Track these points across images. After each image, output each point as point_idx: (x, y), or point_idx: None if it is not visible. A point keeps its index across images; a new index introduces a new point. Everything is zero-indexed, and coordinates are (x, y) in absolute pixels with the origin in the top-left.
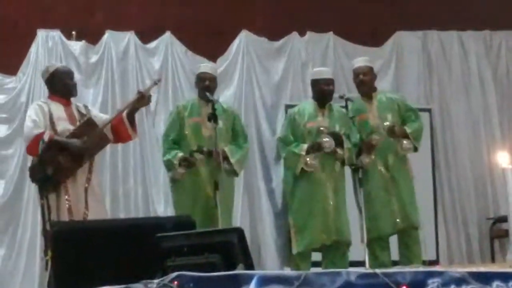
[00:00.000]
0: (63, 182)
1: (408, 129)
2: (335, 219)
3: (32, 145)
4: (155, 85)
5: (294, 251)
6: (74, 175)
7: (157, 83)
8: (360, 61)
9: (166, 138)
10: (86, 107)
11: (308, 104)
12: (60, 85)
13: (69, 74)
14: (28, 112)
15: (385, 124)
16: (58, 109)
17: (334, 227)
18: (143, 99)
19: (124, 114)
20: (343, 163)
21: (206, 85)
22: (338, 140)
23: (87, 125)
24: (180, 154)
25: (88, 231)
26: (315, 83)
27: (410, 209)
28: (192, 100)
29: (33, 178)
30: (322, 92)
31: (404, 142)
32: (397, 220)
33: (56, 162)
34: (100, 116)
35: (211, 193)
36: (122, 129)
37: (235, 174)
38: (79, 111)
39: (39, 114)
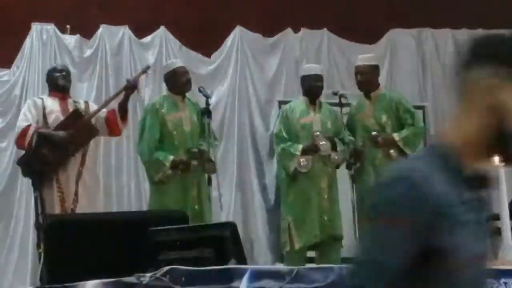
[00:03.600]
0: (54, 174)
1: (397, 137)
2: (329, 214)
3: (19, 138)
4: (143, 74)
5: (296, 246)
6: (64, 166)
7: (145, 71)
8: (360, 60)
9: (149, 137)
10: (86, 102)
11: (299, 101)
12: (49, 80)
13: (55, 69)
14: (23, 108)
15: (373, 133)
16: (53, 104)
17: (328, 222)
18: (131, 87)
19: (116, 107)
20: (337, 166)
21: (188, 79)
22: (332, 144)
23: (74, 116)
24: (171, 157)
25: (81, 225)
26: (304, 79)
27: None
28: (165, 97)
29: (22, 171)
30: (311, 88)
31: (391, 151)
32: None
33: (41, 155)
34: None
35: (195, 193)
36: (115, 122)
37: (215, 171)
38: (76, 106)
39: (31, 108)
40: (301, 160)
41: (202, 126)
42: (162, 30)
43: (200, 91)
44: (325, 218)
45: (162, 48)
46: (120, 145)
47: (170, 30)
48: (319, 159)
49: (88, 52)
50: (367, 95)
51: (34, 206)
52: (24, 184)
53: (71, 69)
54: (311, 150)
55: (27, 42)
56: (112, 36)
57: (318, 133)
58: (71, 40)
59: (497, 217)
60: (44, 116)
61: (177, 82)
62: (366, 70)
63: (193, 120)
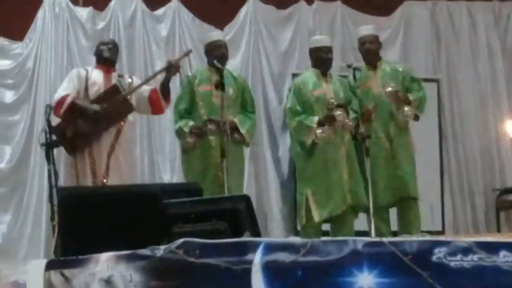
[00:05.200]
0: (87, 146)
1: (411, 97)
2: (351, 185)
3: (56, 106)
4: (185, 56)
5: (316, 219)
6: (98, 139)
7: (187, 54)
8: (365, 29)
9: (176, 107)
10: (131, 77)
11: (310, 73)
12: (96, 52)
13: (102, 41)
14: (66, 76)
15: (388, 89)
16: (97, 76)
17: (350, 193)
18: (172, 68)
19: (158, 85)
20: (350, 133)
21: (223, 53)
22: (345, 111)
23: (111, 92)
24: (191, 123)
25: (95, 197)
26: (315, 51)
27: (407, 179)
28: (201, 68)
29: (57, 138)
30: (322, 61)
31: (406, 108)
32: (393, 190)
33: (75, 125)
34: (143, 89)
35: (219, 162)
36: (157, 100)
37: (246, 144)
38: (119, 81)
39: (74, 78)
40: (318, 131)
41: (241, 100)
42: (174, 2)
43: (213, 63)
44: (346, 189)
45: (175, 20)
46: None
47: (183, 2)
48: (336, 130)
49: (100, 25)
50: (373, 66)
51: (48, 179)
52: (38, 157)
53: (84, 41)
54: (327, 121)
55: (40, 14)
56: (125, 8)
57: (332, 99)
58: (83, 12)
59: (511, 191)
60: (86, 88)
61: (212, 55)
62: (373, 39)
63: (220, 93)
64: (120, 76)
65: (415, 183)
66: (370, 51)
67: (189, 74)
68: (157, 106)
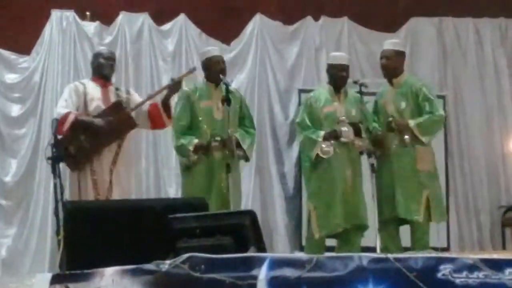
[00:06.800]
0: (89, 162)
1: (411, 123)
2: (354, 204)
3: (59, 125)
4: (189, 74)
5: (316, 236)
6: (99, 155)
7: (192, 71)
8: (386, 44)
9: (177, 123)
10: (128, 91)
11: (323, 89)
12: (95, 65)
13: (102, 54)
14: (63, 92)
15: (389, 119)
16: (94, 90)
17: (353, 212)
18: (175, 86)
19: (159, 101)
20: (361, 152)
21: (222, 68)
22: (357, 130)
23: (115, 107)
24: (195, 141)
25: (100, 211)
26: (330, 68)
27: (403, 202)
28: (199, 84)
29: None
30: (336, 78)
31: (406, 137)
32: (393, 209)
33: (78, 141)
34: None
35: (224, 177)
36: (157, 116)
37: (247, 159)
38: (117, 94)
39: (72, 94)
40: (323, 145)
41: (239, 115)
42: (182, 17)
43: (220, 79)
44: (349, 207)
45: (182, 35)
46: (138, 131)
47: (190, 18)
48: (343, 146)
49: (107, 39)
50: (390, 81)
51: (53, 192)
52: (43, 171)
53: (91, 56)
54: (333, 136)
55: (47, 28)
56: (132, 23)
57: (343, 117)
58: (90, 27)
59: None
60: (85, 103)
61: (211, 70)
62: (390, 55)
63: (226, 109)
64: (117, 89)
65: (415, 205)
66: (384, 67)
67: (186, 89)
68: (157, 121)
